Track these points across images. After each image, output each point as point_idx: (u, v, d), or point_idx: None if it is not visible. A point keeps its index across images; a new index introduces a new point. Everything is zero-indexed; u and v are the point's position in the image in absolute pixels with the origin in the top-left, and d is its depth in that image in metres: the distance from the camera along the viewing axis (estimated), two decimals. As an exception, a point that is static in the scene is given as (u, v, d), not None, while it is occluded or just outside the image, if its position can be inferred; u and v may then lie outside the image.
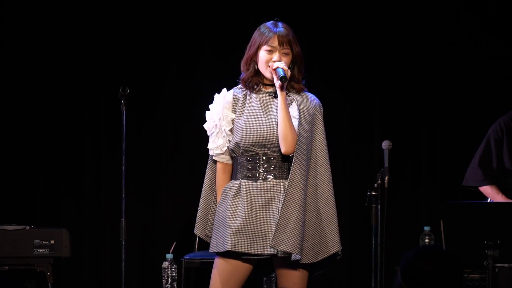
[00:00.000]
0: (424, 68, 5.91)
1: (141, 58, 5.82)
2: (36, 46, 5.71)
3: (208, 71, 5.85)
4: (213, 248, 3.77)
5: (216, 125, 3.76)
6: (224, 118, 3.76)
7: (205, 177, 3.89)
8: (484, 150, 4.69)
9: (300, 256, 3.67)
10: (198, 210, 3.90)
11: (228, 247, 3.67)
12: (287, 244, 3.62)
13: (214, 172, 3.85)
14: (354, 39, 5.89)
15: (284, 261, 3.71)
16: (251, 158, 3.72)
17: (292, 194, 3.67)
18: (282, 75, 3.64)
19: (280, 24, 3.78)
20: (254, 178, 3.72)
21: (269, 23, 3.79)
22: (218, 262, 3.76)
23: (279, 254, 3.68)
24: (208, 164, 3.88)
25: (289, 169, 3.71)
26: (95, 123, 5.80)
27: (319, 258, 3.76)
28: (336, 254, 3.80)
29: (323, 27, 5.89)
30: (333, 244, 3.78)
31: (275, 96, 3.74)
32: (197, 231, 3.89)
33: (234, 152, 3.76)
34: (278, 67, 3.67)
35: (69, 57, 5.76)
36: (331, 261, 3.84)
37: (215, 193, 3.85)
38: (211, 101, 3.88)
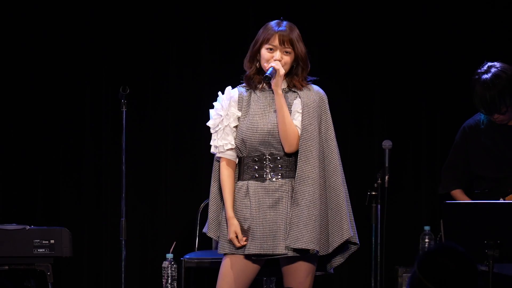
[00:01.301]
0: (425, 68, 5.90)
1: (141, 57, 5.81)
2: (36, 44, 5.71)
3: (208, 70, 5.84)
4: (224, 249, 3.76)
5: (223, 120, 3.76)
6: (231, 115, 3.77)
7: (212, 179, 3.87)
8: (450, 156, 4.68)
9: (318, 250, 3.69)
10: (209, 212, 3.89)
11: (242, 249, 3.70)
12: (302, 241, 3.64)
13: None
14: (354, 37, 5.88)
15: (291, 260, 3.73)
16: (258, 159, 3.74)
17: (302, 191, 3.69)
18: (267, 74, 3.67)
19: (284, 23, 3.79)
20: (262, 179, 3.74)
21: (273, 22, 3.80)
22: (226, 263, 3.75)
23: (290, 254, 3.69)
24: (214, 166, 3.87)
25: (296, 167, 3.73)
26: (95, 122, 5.80)
27: (331, 249, 3.78)
28: (348, 242, 3.80)
29: (323, 25, 5.88)
30: (343, 232, 3.77)
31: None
32: (210, 233, 3.86)
33: (240, 151, 3.77)
34: (271, 66, 3.70)
35: (69, 56, 5.76)
36: (345, 252, 3.85)
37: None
38: (211, 100, 3.87)
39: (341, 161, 3.94)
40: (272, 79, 3.68)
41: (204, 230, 3.90)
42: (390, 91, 5.91)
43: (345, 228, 3.77)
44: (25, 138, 5.72)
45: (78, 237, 5.45)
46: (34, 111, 5.73)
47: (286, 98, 3.74)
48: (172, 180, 5.83)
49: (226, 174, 3.79)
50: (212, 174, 3.87)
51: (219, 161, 3.83)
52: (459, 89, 5.88)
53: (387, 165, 4.31)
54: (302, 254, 3.71)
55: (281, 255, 3.69)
